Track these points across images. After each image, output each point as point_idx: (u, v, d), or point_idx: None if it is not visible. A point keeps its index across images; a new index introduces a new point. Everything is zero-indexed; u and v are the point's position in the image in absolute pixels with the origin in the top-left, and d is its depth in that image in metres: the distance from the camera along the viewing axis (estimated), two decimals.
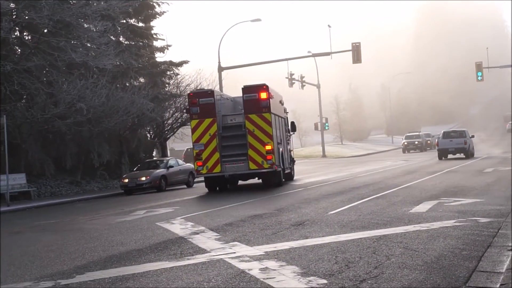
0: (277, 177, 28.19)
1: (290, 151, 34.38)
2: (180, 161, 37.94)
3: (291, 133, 34.84)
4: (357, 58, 49.85)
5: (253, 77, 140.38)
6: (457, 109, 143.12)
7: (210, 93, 27.44)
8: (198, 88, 44.95)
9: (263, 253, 10.92)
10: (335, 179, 31.01)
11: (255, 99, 26.92)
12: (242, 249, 11.40)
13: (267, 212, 17.42)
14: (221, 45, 53.13)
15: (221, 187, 28.66)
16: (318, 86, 75.04)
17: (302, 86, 67.06)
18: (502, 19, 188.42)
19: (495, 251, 10.12)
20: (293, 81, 64.33)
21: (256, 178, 29.25)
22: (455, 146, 47.74)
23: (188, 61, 47.27)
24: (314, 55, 59.01)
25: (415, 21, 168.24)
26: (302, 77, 66.58)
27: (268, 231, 13.55)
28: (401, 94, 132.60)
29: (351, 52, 50.24)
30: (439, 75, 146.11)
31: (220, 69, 52.62)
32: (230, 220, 16.01)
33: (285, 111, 33.94)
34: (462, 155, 48.59)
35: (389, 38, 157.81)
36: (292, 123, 35.21)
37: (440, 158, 47.94)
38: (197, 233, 13.83)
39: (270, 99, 27.06)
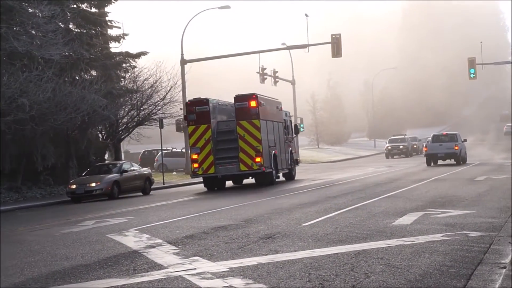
0: (268, 177, 34.49)
1: (292, 152, 40.18)
2: (136, 165, 37.78)
3: (294, 135, 41.85)
4: (337, 52, 50.06)
5: (220, 71, 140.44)
6: (448, 110, 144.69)
7: (205, 101, 33.44)
8: (158, 82, 44.89)
9: (228, 269, 10.90)
10: (310, 187, 31.12)
11: (246, 107, 33.16)
12: (204, 265, 11.38)
13: (233, 223, 17.41)
14: (184, 35, 53.07)
15: (219, 186, 34.67)
16: (293, 83, 75.27)
17: (275, 82, 67.17)
18: (498, 11, 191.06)
19: (486, 268, 10.22)
20: (265, 77, 64.40)
21: (250, 177, 35.73)
22: (445, 151, 48.17)
23: (147, 53, 47.09)
24: (289, 48, 59.15)
25: (402, 11, 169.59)
26: (275, 72, 66.70)
27: (234, 244, 13.54)
28: (386, 93, 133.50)
29: (330, 44, 50.45)
30: (428, 71, 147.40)
31: (183, 62, 52.53)
32: (191, 232, 15.97)
33: (288, 115, 41.13)
34: (452, 161, 49.05)
35: (373, 29, 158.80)
36: (295, 126, 42.47)
37: (428, 164, 48.34)
38: (153, 247, 13.77)
39: (260, 107, 33.23)
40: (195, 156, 33.29)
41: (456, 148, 47.96)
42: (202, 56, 63.31)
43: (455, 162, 48.40)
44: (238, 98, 33.98)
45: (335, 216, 17.83)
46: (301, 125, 74.03)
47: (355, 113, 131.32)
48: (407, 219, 16.35)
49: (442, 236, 13.36)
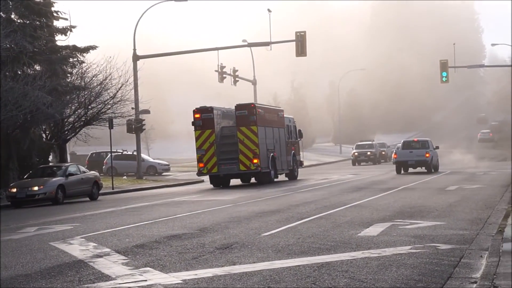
0: (267, 177, 41.57)
1: (294, 155, 47.25)
2: (83, 168, 37.49)
3: (299, 139, 49.27)
4: (301, 51, 50.27)
5: (175, 69, 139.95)
6: (420, 115, 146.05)
7: (210, 109, 40.55)
8: (108, 79, 44.61)
9: (181, 281, 10.91)
10: (271, 194, 31.22)
11: (245, 115, 39.97)
12: (155, 276, 11.36)
13: (187, 232, 17.40)
14: (137, 29, 52.84)
15: (224, 184, 41.45)
16: (254, 83, 75.34)
17: (235, 81, 67.13)
18: (473, 12, 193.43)
19: (456, 283, 10.37)
20: (224, 75, 64.38)
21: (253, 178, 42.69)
22: (415, 158, 48.57)
23: (96, 47, 46.72)
24: (250, 45, 59.19)
25: (371, 9, 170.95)
26: (235, 70, 66.69)
27: (188, 255, 13.55)
28: (353, 95, 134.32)
29: (294, 43, 50.64)
30: (399, 74, 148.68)
31: (136, 57, 52.29)
32: (142, 241, 15.93)
33: (292, 121, 48.57)
34: (423, 169, 49.53)
35: (340, 28, 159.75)
36: (299, 130, 49.37)
37: (398, 172, 48.73)
38: (101, 256, 13.70)
39: (257, 115, 40.07)
40: (201, 157, 40.30)
41: (427, 155, 48.40)
42: (157, 52, 62.99)
43: (426, 170, 48.87)
44: (238, 107, 40.77)
45: (297, 226, 17.91)
46: None
47: (320, 116, 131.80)
48: (373, 230, 16.50)
49: (410, 249, 13.52)
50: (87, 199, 35.40)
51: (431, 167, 48.79)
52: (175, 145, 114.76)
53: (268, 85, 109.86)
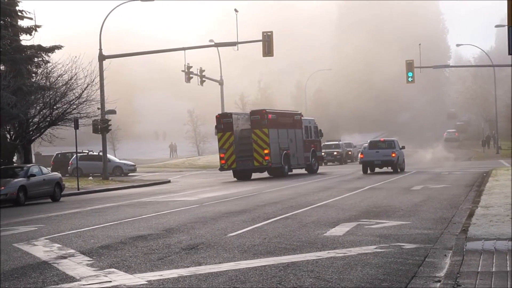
0: (279, 171, 48.85)
1: (314, 151, 54.16)
2: (45, 169, 37.08)
3: (320, 138, 56.77)
4: (268, 51, 50.33)
5: (142, 69, 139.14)
6: (386, 115, 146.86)
7: (229, 115, 48.69)
8: (73, 79, 44.36)
9: (146, 282, 10.88)
10: (237, 195, 31.22)
11: (258, 119, 47.59)
12: (120, 277, 11.32)
13: (153, 232, 17.35)
14: (103, 29, 52.53)
15: (247, 178, 47.98)
16: (221, 83, 75.34)
17: (202, 81, 67.03)
18: (438, 12, 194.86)
19: (420, 282, 10.45)
20: (191, 75, 64.25)
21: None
22: (382, 158, 48.82)
23: (62, 47, 46.41)
24: (217, 45, 59.13)
25: (338, 9, 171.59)
26: (201, 70, 66.59)
27: (153, 255, 13.51)
28: (320, 95, 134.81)
29: (261, 43, 50.69)
30: (365, 74, 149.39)
31: (102, 57, 52.02)
32: (107, 241, 15.86)
33: (312, 123, 55.60)
34: (389, 169, 49.82)
35: (307, 28, 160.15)
36: (320, 130, 56.69)
37: (364, 171, 48.96)
38: (65, 257, 13.62)
39: (268, 120, 47.53)
40: (222, 155, 47.42)
41: (393, 155, 48.68)
42: (123, 52, 62.68)
43: (392, 170, 49.16)
44: (253, 112, 49.28)
45: (263, 226, 17.94)
46: None
47: None
48: (339, 230, 16.58)
49: (375, 248, 13.60)
50: (49, 200, 34.98)
51: (397, 167, 49.08)
52: (141, 146, 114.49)
53: (235, 85, 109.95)
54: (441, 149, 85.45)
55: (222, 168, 48.47)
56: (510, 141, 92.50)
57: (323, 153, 62.85)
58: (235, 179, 47.80)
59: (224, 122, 47.62)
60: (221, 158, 47.81)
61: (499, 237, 13.90)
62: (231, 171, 48.95)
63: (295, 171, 52.38)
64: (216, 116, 48.78)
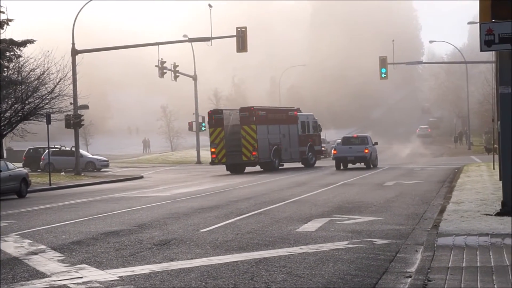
0: (269, 165, 50.38)
1: (311, 146, 55.42)
2: (11, 165, 36.54)
3: (319, 132, 58.17)
4: (242, 46, 50.27)
5: (115, 63, 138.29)
6: (359, 111, 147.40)
7: (220, 111, 50.62)
8: (45, 73, 44.04)
9: (117, 278, 10.84)
10: (210, 190, 31.20)
11: (246, 116, 49.16)
12: (91, 273, 11.28)
13: (125, 228, 17.29)
14: (76, 23, 52.21)
15: (240, 171, 49.90)
16: (194, 78, 75.17)
17: (175, 77, 66.78)
18: (411, 8, 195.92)
19: (391, 278, 10.51)
20: (165, 71, 64.05)
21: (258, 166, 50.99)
22: (355, 154, 49.00)
23: (34, 41, 46.09)
24: (191, 40, 58.96)
25: (312, 5, 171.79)
26: (175, 66, 66.38)
27: (125, 251, 13.48)
28: (294, 91, 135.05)
29: (235, 38, 50.64)
30: (339, 70, 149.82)
31: (75, 52, 51.67)
32: (79, 237, 15.79)
33: (310, 118, 57.00)
34: (362, 165, 49.99)
35: (281, 24, 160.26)
36: (319, 125, 58.25)
37: (337, 167, 49.11)
38: (36, 253, 13.54)
39: (256, 116, 49.10)
40: (213, 150, 49.75)
41: (366, 151, 48.88)
42: (96, 47, 62.35)
43: (365, 166, 49.35)
44: (242, 109, 50.70)
45: (236, 222, 17.95)
46: (203, 124, 74.03)
47: None
48: (312, 226, 16.63)
49: (347, 244, 13.66)
50: (15, 196, 34.42)
51: (370, 163, 49.29)
52: (114, 141, 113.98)
53: (209, 81, 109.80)
54: (416, 145, 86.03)
55: (213, 162, 50.85)
56: (481, 137, 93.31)
57: (323, 147, 63.77)
58: (229, 172, 50.07)
59: (215, 118, 49.78)
60: (212, 153, 50.22)
61: (469, 232, 14.01)
62: (224, 165, 51.07)
63: (288, 165, 54.32)
64: (208, 112, 51.55)
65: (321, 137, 60.81)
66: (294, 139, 53.73)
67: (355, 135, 53.44)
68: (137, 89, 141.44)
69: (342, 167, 49.45)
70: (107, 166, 62.60)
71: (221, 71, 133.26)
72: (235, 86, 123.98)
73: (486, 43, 16.07)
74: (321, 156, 61.45)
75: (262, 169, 51.02)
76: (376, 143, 51.92)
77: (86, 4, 52.22)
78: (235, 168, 50.26)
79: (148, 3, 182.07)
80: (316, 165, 55.84)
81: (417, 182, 32.62)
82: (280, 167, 51.72)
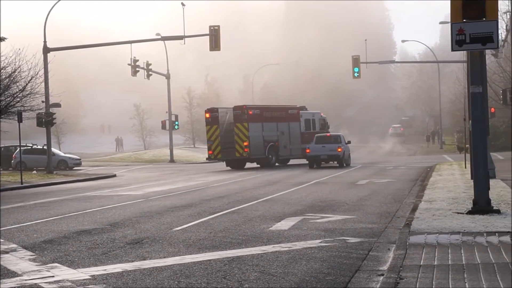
0: (265, 161, 53.28)
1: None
2: None
3: (325, 130, 58.78)
4: (215, 45, 50.24)
5: (88, 62, 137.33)
6: (333, 110, 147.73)
7: (215, 110, 53.59)
8: (17, 71, 43.71)
9: (89, 277, 10.80)
10: (184, 189, 31.14)
11: (239, 114, 51.85)
12: (63, 272, 11.21)
13: (97, 227, 17.21)
14: (48, 21, 51.86)
15: (241, 167, 53.04)
16: (167, 77, 74.99)
17: (148, 75, 66.63)
18: (384, 8, 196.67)
19: (364, 276, 10.55)
20: (138, 69, 63.84)
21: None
22: (328, 152, 49.17)
23: (5, 38, 45.68)
24: (164, 39, 58.88)
25: (286, 4, 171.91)
26: (148, 64, 66.19)
27: (98, 250, 13.42)
28: (267, 90, 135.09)
29: (208, 37, 50.59)
30: (312, 69, 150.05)
31: (46, 50, 51.35)
32: (51, 236, 15.69)
33: (315, 115, 59.50)
34: (335, 164, 50.14)
35: (255, 23, 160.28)
36: (326, 123, 60.51)
37: (311, 166, 49.26)
38: (7, 252, 13.44)
39: (249, 114, 51.61)
40: (210, 146, 52.71)
41: (339, 150, 49.05)
42: (68, 45, 61.99)
43: (338, 165, 49.50)
44: (235, 108, 53.13)
45: (209, 220, 17.93)
46: (176, 123, 73.91)
47: None
48: (285, 224, 16.65)
49: (320, 242, 13.69)
50: None
51: (343, 162, 49.47)
52: (87, 139, 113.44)
53: (182, 79, 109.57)
54: (389, 144, 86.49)
55: (209, 158, 54.22)
56: (453, 136, 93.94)
57: None
58: (229, 167, 53.09)
59: (211, 116, 52.88)
60: (208, 149, 53.51)
61: (441, 231, 14.10)
62: (219, 161, 55.11)
63: (294, 162, 57.47)
64: (205, 111, 54.99)
65: None
66: (296, 137, 56.00)
67: (328, 134, 53.58)
68: (110, 87, 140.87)
69: (315, 166, 49.59)
70: (79, 164, 62.31)
71: (194, 70, 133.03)
72: (208, 84, 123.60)
73: (457, 43, 16.18)
74: None
75: (258, 165, 53.71)
76: (349, 142, 52.19)
77: (58, 1, 51.89)
78: (236, 164, 53.15)
79: (122, 2, 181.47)
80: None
81: (389, 180, 32.79)
82: (282, 164, 55.23)
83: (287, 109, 57.43)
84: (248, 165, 54.07)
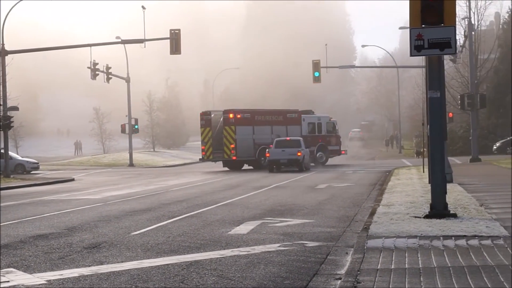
0: (256, 163, 55.70)
1: (322, 146, 59.69)
2: None
3: (334, 133, 61.41)
4: (175, 49, 50.14)
5: (47, 65, 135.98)
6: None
7: (208, 113, 56.93)
8: None
9: (45, 282, 10.70)
10: (143, 193, 30.99)
11: (227, 118, 54.68)
12: (19, 277, 11.10)
13: (54, 231, 17.05)
14: (6, 23, 51.31)
15: (238, 168, 55.85)
16: (127, 80, 74.57)
17: (108, 78, 66.24)
18: (344, 12, 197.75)
19: (322, 280, 10.59)
20: (97, 72, 63.40)
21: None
22: (287, 157, 49.32)
23: None
24: (124, 42, 58.62)
25: (246, 8, 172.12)
26: (108, 67, 65.81)
27: (54, 254, 13.29)
28: (228, 94, 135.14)
29: (168, 40, 50.46)
30: (273, 73, 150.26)
31: (4, 53, 50.77)
32: (7, 241, 15.51)
33: (321, 119, 61.89)
34: (295, 168, 50.28)
35: (216, 27, 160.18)
36: (334, 127, 62.02)
37: (270, 170, 49.37)
38: None
39: (236, 118, 54.40)
40: (203, 148, 56.14)
41: (299, 154, 49.22)
42: (27, 47, 61.38)
43: (297, 169, 49.65)
44: (224, 111, 56.03)
45: (168, 225, 17.87)
46: (136, 126, 73.57)
47: (195, 115, 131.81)
48: (244, 228, 16.66)
49: (279, 246, 13.71)
50: None
51: (303, 166, 49.63)
52: (45, 143, 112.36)
53: (142, 83, 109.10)
54: (349, 148, 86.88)
55: (202, 159, 57.71)
56: (412, 141, 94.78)
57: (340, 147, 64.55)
58: (227, 168, 55.98)
59: (205, 118, 56.10)
60: (202, 150, 56.65)
61: (399, 235, 14.20)
62: (215, 162, 58.07)
63: None
64: (200, 114, 57.89)
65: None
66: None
67: (288, 138, 53.72)
68: (69, 90, 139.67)
69: (275, 170, 49.69)
70: (37, 168, 61.68)
71: (155, 74, 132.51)
72: (169, 88, 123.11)
73: (416, 48, 16.33)
74: (338, 155, 63.70)
75: (251, 167, 56.25)
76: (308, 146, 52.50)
77: (16, 4, 51.38)
78: (231, 165, 55.91)
79: (82, 4, 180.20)
80: (328, 163, 59.91)
81: (348, 185, 32.98)
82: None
83: (285, 112, 59.61)
84: (245, 166, 56.79)
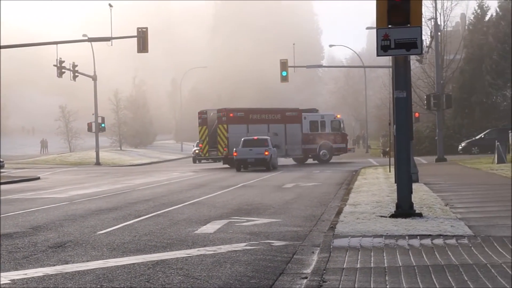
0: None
1: (324, 144, 60.45)
2: None
3: (339, 131, 62.53)
4: (143, 47, 49.95)
5: (12, 62, 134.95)
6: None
7: (205, 112, 58.34)
8: None
9: (9, 281, 10.62)
10: (109, 192, 30.81)
11: (221, 116, 56.22)
12: None
13: (19, 230, 16.90)
14: None
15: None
16: (94, 78, 74.14)
17: (74, 77, 65.78)
18: (312, 12, 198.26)
19: (288, 279, 10.61)
20: (63, 70, 62.95)
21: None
22: (255, 156, 49.34)
23: None
24: (90, 40, 58.26)
25: (214, 8, 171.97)
26: (74, 65, 65.37)
27: (18, 254, 13.19)
28: (195, 93, 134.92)
29: (136, 38, 50.25)
30: (240, 72, 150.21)
31: None
32: None
33: (328, 118, 62.52)
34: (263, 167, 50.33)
35: (183, 26, 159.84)
36: (340, 125, 62.97)
37: (238, 169, 49.36)
38: None
39: (228, 117, 55.59)
40: (200, 145, 58.21)
41: (266, 153, 49.26)
42: None
43: (265, 168, 49.69)
44: (218, 110, 57.77)
45: (134, 224, 17.80)
46: (102, 125, 73.20)
47: (162, 114, 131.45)
48: (210, 228, 16.64)
49: (245, 246, 13.72)
50: None
51: (270, 165, 49.68)
52: (10, 141, 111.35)
53: (109, 81, 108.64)
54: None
55: (200, 156, 60.05)
56: (379, 140, 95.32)
57: (347, 145, 64.86)
58: (226, 165, 56.43)
59: (202, 117, 57.92)
60: (199, 148, 59.04)
61: (364, 234, 14.27)
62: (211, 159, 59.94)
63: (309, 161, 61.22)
64: (198, 112, 59.55)
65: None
66: (295, 137, 59.11)
67: (255, 137, 53.72)
68: (35, 88, 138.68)
69: (242, 169, 49.70)
70: (2, 166, 61.06)
71: (122, 72, 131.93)
72: (136, 87, 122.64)
73: (383, 48, 16.42)
74: (345, 153, 65.21)
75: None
76: (275, 146, 52.53)
77: None
78: (231, 162, 55.19)
79: (50, 3, 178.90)
80: (331, 161, 60.98)
81: (315, 184, 33.06)
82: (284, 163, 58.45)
83: (283, 111, 60.70)
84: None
